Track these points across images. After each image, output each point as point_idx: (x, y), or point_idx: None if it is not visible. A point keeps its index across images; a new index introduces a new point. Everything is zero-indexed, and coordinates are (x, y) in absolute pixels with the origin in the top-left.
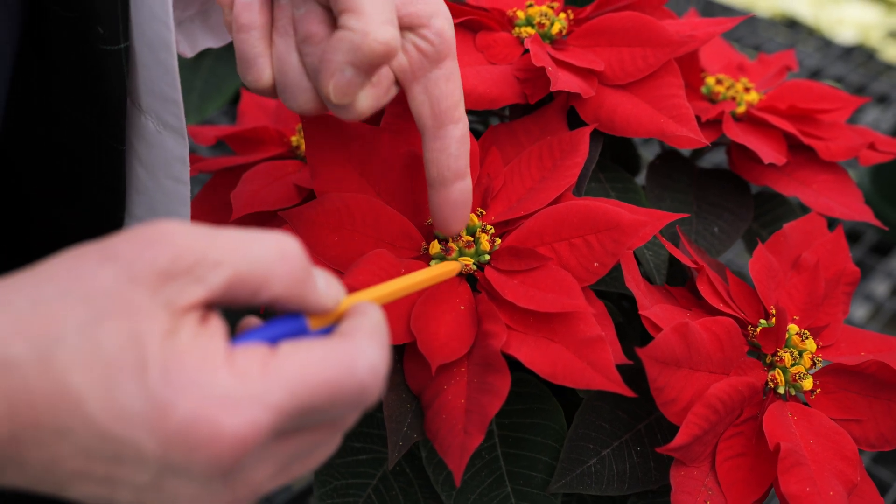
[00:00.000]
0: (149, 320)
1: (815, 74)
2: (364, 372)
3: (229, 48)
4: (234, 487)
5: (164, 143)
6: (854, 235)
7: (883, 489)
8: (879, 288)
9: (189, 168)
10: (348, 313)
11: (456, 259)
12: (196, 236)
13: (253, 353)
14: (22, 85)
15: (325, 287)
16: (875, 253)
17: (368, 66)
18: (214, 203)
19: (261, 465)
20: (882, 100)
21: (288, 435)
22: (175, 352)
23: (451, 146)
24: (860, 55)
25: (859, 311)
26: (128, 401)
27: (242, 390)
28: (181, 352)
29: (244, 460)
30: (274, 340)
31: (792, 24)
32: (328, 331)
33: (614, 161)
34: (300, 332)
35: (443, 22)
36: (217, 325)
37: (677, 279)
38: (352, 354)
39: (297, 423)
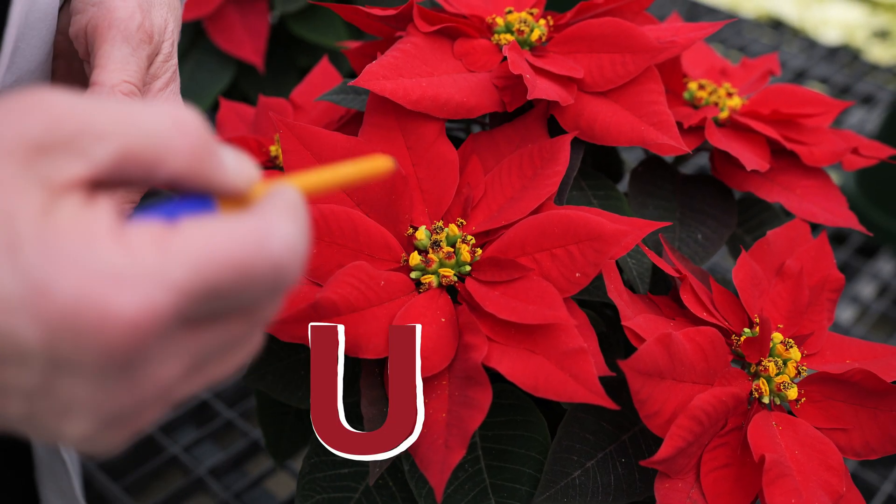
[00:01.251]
0: (20, 197)
1: (799, 75)
2: (278, 247)
3: (211, 54)
4: (136, 384)
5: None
6: (840, 237)
7: (870, 492)
8: (866, 290)
9: None
10: (264, 196)
11: (435, 271)
12: (78, 105)
13: (147, 229)
14: None
15: (236, 165)
16: (861, 255)
17: None
18: None
19: (168, 360)
20: (867, 100)
21: (198, 324)
22: (53, 229)
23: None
24: (845, 55)
25: (846, 313)
26: (0, 284)
27: (135, 267)
28: (61, 229)
29: (145, 350)
30: (173, 217)
31: (777, 25)
32: None
33: (596, 168)
34: (206, 214)
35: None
36: (105, 203)
37: (661, 287)
38: (264, 229)
39: (205, 309)
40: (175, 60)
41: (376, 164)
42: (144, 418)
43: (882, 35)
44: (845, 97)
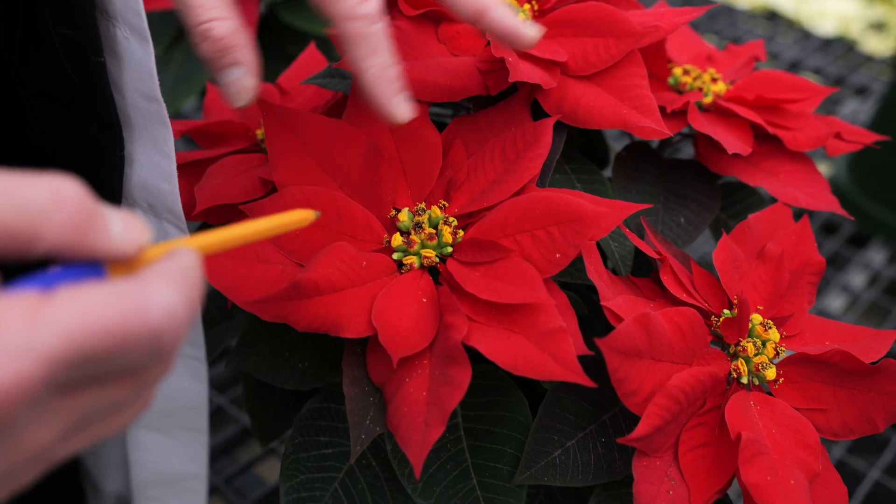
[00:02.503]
0: None
1: (794, 66)
2: (156, 315)
3: None
4: (7, 450)
5: (133, 49)
6: (831, 227)
7: (857, 478)
8: (856, 279)
9: (158, 83)
10: (159, 259)
11: (417, 253)
12: None
13: (19, 300)
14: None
15: (121, 231)
16: (852, 244)
17: None
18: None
19: (42, 426)
20: (861, 91)
21: (73, 390)
22: None
23: None
24: (839, 47)
25: (836, 302)
26: None
27: (2, 338)
28: None
29: (13, 419)
30: (52, 285)
31: (772, 17)
32: None
33: (583, 153)
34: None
35: None
36: None
37: (644, 271)
38: (141, 296)
39: (80, 375)
40: None
41: (294, 218)
42: (21, 480)
43: (878, 27)
44: (839, 88)
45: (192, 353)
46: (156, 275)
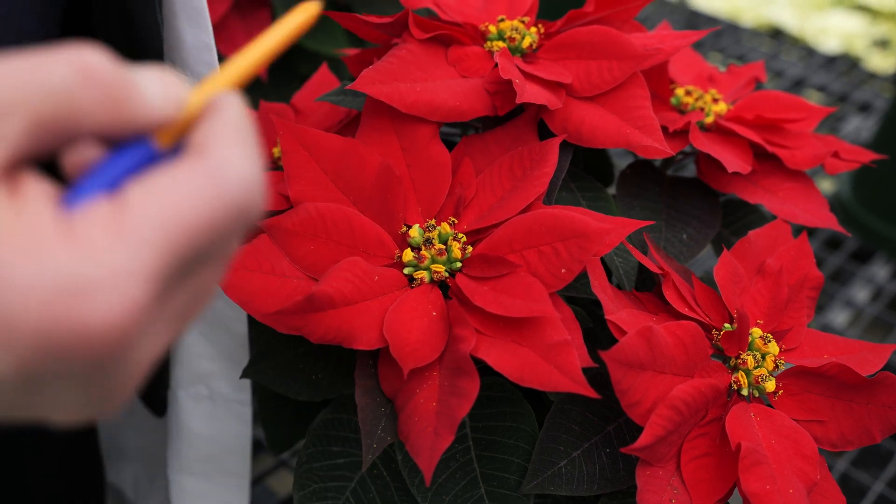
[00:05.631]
0: None
1: (798, 83)
2: (236, 189)
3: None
4: (127, 370)
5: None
6: (834, 242)
7: (862, 492)
8: (860, 294)
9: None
10: (203, 115)
11: (427, 268)
12: None
13: (95, 215)
14: None
15: (160, 90)
16: (855, 259)
17: None
18: None
19: (152, 337)
20: (864, 108)
21: (173, 289)
22: None
23: None
24: (843, 64)
25: (840, 317)
26: None
27: (99, 267)
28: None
29: (132, 346)
30: (116, 184)
31: (776, 34)
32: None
33: (588, 171)
34: (148, 160)
35: None
36: (35, 189)
37: (647, 286)
38: (215, 173)
39: (179, 275)
40: None
41: (300, 17)
42: (130, 388)
43: (882, 44)
44: (842, 105)
45: (238, 397)
46: (218, 143)
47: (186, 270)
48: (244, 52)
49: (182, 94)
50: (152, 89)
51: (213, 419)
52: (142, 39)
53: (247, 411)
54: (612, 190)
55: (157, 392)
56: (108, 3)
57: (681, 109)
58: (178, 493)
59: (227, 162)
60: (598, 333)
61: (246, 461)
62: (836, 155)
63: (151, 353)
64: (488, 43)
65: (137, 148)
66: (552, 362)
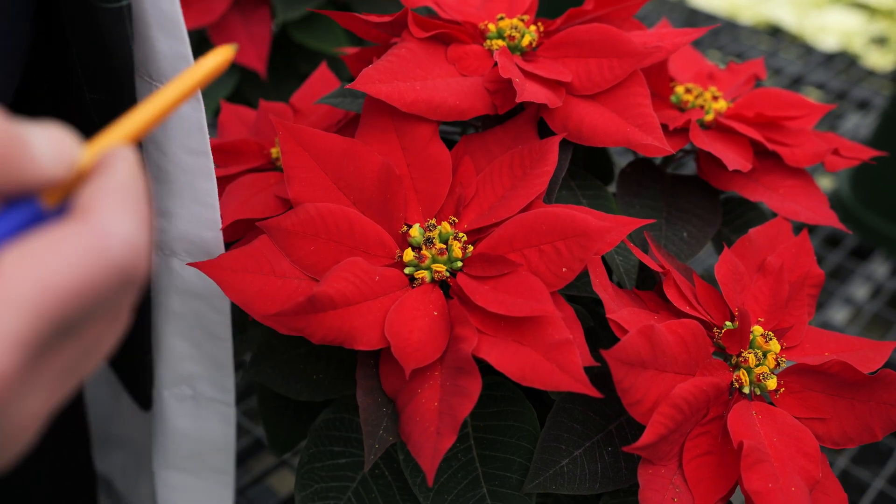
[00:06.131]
0: None
1: (796, 81)
2: (119, 251)
3: None
4: (9, 429)
5: (181, 110)
6: (834, 240)
7: (862, 489)
8: (859, 291)
9: (208, 137)
10: (92, 172)
11: (428, 267)
12: None
13: None
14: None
15: (51, 149)
16: (855, 257)
17: None
18: None
19: (30, 397)
20: (863, 105)
21: (52, 351)
22: None
23: None
24: (842, 62)
25: (839, 315)
26: None
27: None
28: None
29: (5, 403)
30: None
31: (775, 32)
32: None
33: (589, 170)
34: (33, 220)
35: None
36: None
37: (648, 285)
38: (97, 235)
39: (58, 337)
40: None
41: (211, 64)
42: (14, 449)
43: (880, 41)
44: (841, 103)
45: (221, 398)
46: (102, 204)
47: (66, 333)
48: (148, 100)
49: (73, 153)
50: (42, 148)
51: (197, 419)
52: (112, 53)
53: (230, 412)
54: (612, 188)
55: (142, 391)
56: (75, 18)
57: (681, 107)
58: (163, 488)
59: (109, 224)
60: (599, 332)
61: (230, 459)
62: (835, 152)
63: (38, 410)
64: (488, 41)
65: (23, 207)
66: (554, 361)
